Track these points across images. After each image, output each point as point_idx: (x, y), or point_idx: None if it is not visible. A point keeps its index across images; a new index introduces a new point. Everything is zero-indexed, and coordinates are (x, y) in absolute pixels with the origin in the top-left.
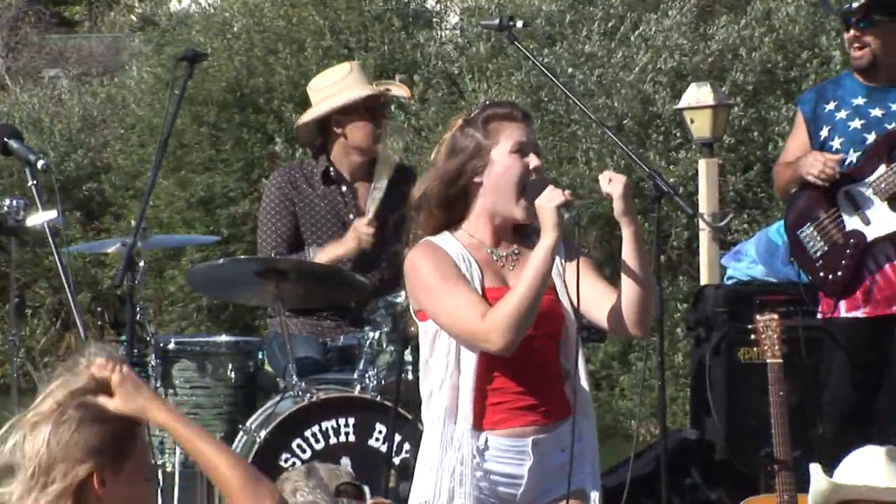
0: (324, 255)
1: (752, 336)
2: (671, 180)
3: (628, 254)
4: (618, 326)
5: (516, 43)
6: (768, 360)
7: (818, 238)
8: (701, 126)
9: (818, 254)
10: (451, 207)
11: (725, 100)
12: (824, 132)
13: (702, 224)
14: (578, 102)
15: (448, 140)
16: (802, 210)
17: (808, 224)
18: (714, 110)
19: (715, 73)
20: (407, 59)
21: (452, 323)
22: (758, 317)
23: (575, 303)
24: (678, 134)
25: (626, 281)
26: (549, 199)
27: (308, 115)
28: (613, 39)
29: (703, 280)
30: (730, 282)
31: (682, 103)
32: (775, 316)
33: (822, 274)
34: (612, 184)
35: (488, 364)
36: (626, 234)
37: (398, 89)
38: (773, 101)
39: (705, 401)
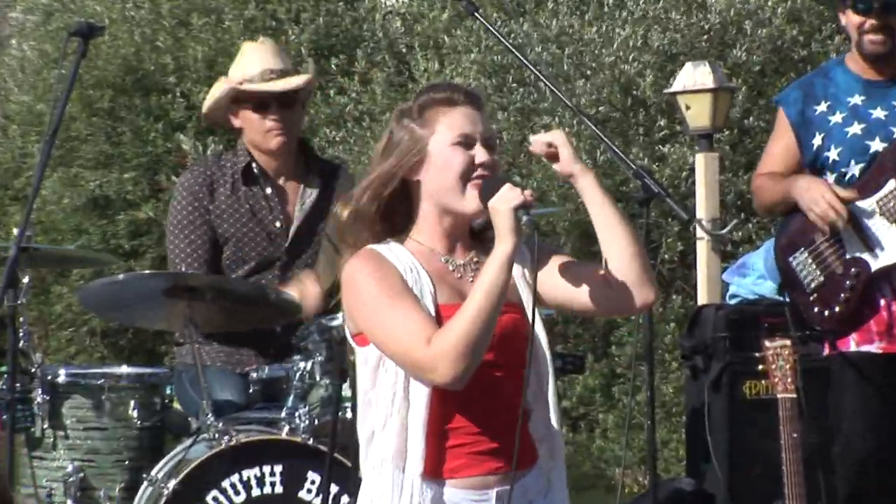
0: None
1: (760, 366)
2: (662, 180)
3: (598, 207)
4: (621, 300)
5: (477, 14)
6: (779, 396)
7: (813, 267)
8: (698, 113)
9: (813, 285)
10: (393, 214)
11: (727, 82)
12: (817, 140)
13: (699, 232)
14: (551, 86)
15: (385, 135)
16: (796, 232)
17: (802, 249)
18: (714, 95)
19: (714, 52)
20: (346, 33)
21: (394, 350)
22: (767, 343)
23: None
24: (663, 124)
25: (609, 240)
26: (505, 200)
27: (205, 106)
28: (587, 10)
29: (701, 299)
30: (733, 301)
31: (676, 86)
32: (788, 342)
33: (815, 309)
34: (548, 136)
35: (442, 398)
36: (585, 184)
37: (293, 77)
38: (785, 84)
39: (704, 444)
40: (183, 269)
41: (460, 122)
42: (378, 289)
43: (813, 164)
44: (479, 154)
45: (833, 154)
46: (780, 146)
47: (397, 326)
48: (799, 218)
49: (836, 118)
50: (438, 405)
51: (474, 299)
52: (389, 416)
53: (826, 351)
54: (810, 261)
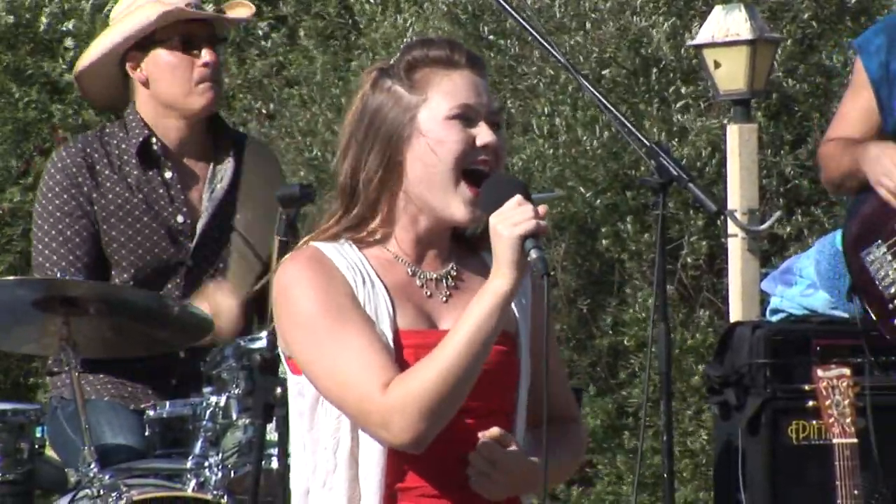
0: None
1: (811, 402)
2: (682, 160)
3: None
4: None
5: None
6: (835, 441)
7: (892, 262)
8: (731, 73)
9: (893, 289)
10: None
11: (769, 32)
12: None
13: (731, 228)
14: (540, 38)
15: (357, 103)
16: (870, 218)
17: (879, 242)
18: (752, 49)
19: None
20: None
21: (335, 393)
22: (820, 372)
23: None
24: (684, 90)
25: None
26: (511, 222)
27: (88, 56)
28: None
29: (734, 315)
30: (776, 317)
31: (702, 37)
32: (846, 371)
33: (894, 320)
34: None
35: (400, 451)
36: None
37: (240, 9)
38: (839, 38)
39: (736, 503)
40: (57, 274)
41: (461, 90)
42: (318, 307)
43: None
44: (483, 133)
45: None
46: (856, 106)
47: (342, 362)
48: (874, 199)
49: None
50: (396, 459)
51: (453, 345)
52: (331, 471)
53: None
54: (889, 257)
